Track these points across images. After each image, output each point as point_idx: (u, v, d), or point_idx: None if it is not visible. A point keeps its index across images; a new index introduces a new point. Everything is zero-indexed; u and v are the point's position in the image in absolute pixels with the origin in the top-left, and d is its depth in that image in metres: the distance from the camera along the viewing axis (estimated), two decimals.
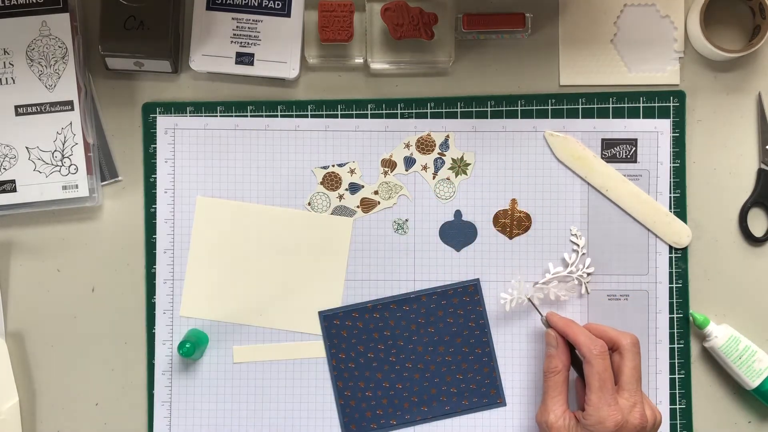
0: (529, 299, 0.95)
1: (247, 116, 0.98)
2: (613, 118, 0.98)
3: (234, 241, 0.98)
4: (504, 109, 0.98)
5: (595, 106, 0.98)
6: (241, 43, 0.97)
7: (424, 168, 0.98)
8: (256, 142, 0.98)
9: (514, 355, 0.97)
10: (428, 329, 0.97)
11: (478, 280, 0.97)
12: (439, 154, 0.98)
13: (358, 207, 0.98)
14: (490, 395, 0.97)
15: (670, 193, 0.98)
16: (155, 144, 0.98)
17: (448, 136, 0.98)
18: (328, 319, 0.97)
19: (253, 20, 0.97)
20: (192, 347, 0.92)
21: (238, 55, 0.97)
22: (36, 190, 0.95)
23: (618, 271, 0.98)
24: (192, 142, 0.98)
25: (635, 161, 0.98)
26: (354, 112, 0.98)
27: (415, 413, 0.96)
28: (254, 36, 0.97)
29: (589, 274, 0.96)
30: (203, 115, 0.98)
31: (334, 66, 0.99)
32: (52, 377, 0.98)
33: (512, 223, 0.98)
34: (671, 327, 0.97)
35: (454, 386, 0.97)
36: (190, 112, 0.98)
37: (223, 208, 0.98)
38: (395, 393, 0.97)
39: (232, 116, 0.98)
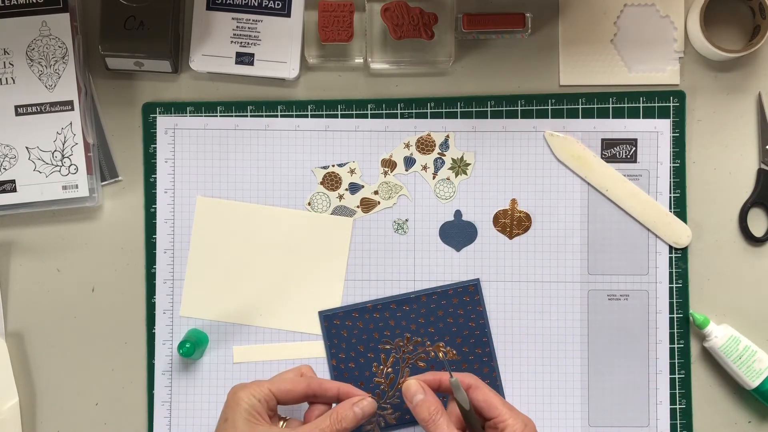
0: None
1: (247, 116, 0.98)
2: (613, 118, 0.98)
3: (234, 241, 0.98)
4: (504, 109, 0.98)
5: (595, 106, 0.98)
6: (241, 43, 0.97)
7: (424, 168, 0.98)
8: (256, 142, 0.98)
9: (514, 356, 0.97)
10: (428, 329, 0.97)
11: (478, 280, 0.97)
12: (439, 154, 0.98)
13: (358, 207, 0.98)
14: None
15: (670, 193, 0.98)
16: (155, 144, 0.98)
17: (448, 136, 0.98)
18: (328, 319, 0.97)
19: (253, 20, 0.97)
20: (192, 347, 0.92)
21: (238, 55, 0.97)
22: (36, 190, 0.95)
23: (618, 271, 0.98)
24: (192, 142, 0.98)
25: (635, 161, 0.98)
26: (354, 112, 0.98)
27: None
28: (254, 36, 0.97)
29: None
30: (203, 115, 0.98)
31: (334, 66, 0.99)
32: (52, 377, 0.98)
33: (512, 223, 0.98)
34: (671, 327, 0.97)
35: None
36: (190, 112, 0.99)
37: (223, 208, 0.98)
38: (395, 396, 0.97)
39: (232, 116, 0.98)
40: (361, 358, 0.97)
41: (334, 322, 0.97)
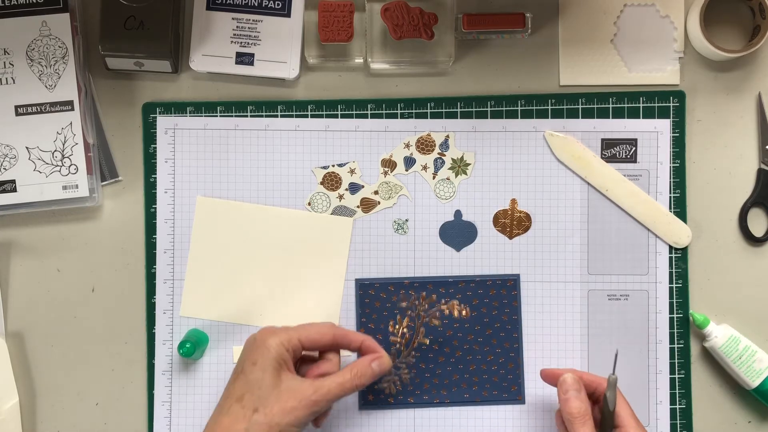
0: None
1: (247, 116, 0.98)
2: (613, 118, 0.98)
3: (234, 241, 0.98)
4: (504, 109, 0.98)
5: (595, 106, 0.98)
6: (241, 43, 0.97)
7: (424, 168, 0.98)
8: (256, 142, 0.98)
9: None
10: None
11: (518, 275, 0.97)
12: (439, 154, 0.98)
13: (358, 207, 0.98)
14: (510, 391, 0.97)
15: (670, 193, 0.98)
16: (155, 144, 0.98)
17: (448, 136, 0.98)
18: (363, 287, 0.97)
19: (253, 20, 0.97)
20: (192, 347, 0.92)
21: (238, 55, 0.97)
22: (36, 190, 0.95)
23: (618, 271, 0.98)
24: (192, 142, 0.98)
25: (635, 161, 0.98)
26: (354, 112, 0.98)
27: (434, 395, 0.96)
28: (254, 36, 0.97)
29: None
30: (203, 115, 0.98)
31: (334, 66, 0.99)
32: (52, 377, 0.98)
33: (512, 223, 0.98)
34: (671, 327, 0.97)
35: (476, 375, 0.97)
36: (190, 112, 0.99)
37: (223, 208, 0.98)
38: (417, 372, 0.96)
39: (232, 116, 0.98)
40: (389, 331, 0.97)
41: (369, 292, 0.97)
